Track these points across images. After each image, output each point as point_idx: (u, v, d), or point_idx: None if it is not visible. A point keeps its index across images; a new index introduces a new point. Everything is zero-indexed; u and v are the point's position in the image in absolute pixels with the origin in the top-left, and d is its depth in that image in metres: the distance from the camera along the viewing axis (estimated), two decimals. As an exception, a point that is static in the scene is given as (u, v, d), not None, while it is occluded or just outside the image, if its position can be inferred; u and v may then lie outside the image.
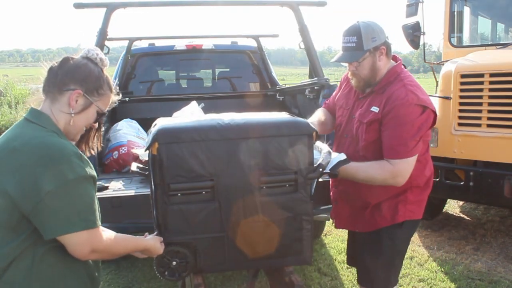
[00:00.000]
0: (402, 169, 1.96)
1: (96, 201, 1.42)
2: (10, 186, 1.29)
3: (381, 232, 2.13)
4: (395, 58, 2.13)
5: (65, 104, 1.44)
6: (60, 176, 1.30)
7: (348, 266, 3.22)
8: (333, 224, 2.37)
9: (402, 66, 2.13)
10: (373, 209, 2.12)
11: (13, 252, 1.32)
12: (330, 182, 2.34)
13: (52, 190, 1.28)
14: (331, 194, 2.34)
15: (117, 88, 1.60)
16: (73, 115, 1.44)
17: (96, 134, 1.61)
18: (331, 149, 2.00)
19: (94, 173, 1.43)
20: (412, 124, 1.95)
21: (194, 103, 3.85)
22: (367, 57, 2.01)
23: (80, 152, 1.40)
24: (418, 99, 1.96)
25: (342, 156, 1.92)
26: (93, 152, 1.63)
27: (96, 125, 1.56)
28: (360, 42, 1.99)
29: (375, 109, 2.03)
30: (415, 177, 2.06)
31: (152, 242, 1.67)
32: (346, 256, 2.58)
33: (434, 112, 2.01)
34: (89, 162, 1.43)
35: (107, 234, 1.46)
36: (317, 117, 2.36)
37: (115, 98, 1.58)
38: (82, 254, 1.37)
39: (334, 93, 2.42)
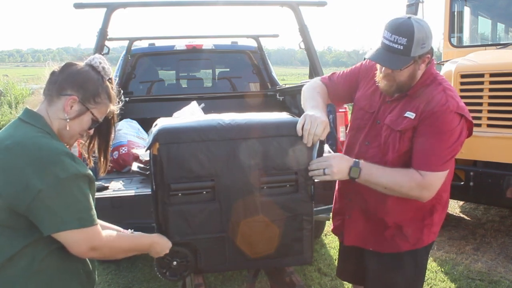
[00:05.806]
0: (431, 182, 1.74)
1: (92, 200, 1.42)
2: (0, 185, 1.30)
3: (402, 255, 1.94)
4: None
5: (61, 108, 1.44)
6: (52, 175, 1.30)
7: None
8: (342, 241, 2.13)
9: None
10: (395, 231, 1.92)
11: (11, 249, 1.33)
12: (336, 193, 2.16)
13: (44, 189, 1.28)
14: (337, 206, 2.13)
15: (119, 95, 1.59)
16: (68, 120, 1.45)
17: (95, 141, 1.61)
18: (339, 151, 1.95)
19: (88, 172, 1.42)
20: (451, 134, 1.73)
21: (194, 103, 3.86)
22: (410, 65, 1.73)
23: (72, 153, 1.39)
24: (458, 106, 1.75)
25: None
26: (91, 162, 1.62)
27: (91, 132, 1.56)
28: (409, 47, 1.67)
29: (410, 114, 1.78)
30: (442, 192, 1.87)
31: (157, 238, 1.66)
32: (341, 271, 2.30)
33: (471, 122, 1.81)
34: (83, 162, 1.43)
35: (108, 232, 1.46)
36: (319, 98, 1.97)
37: (114, 108, 1.58)
38: (80, 251, 1.38)
39: (340, 73, 2.10)
